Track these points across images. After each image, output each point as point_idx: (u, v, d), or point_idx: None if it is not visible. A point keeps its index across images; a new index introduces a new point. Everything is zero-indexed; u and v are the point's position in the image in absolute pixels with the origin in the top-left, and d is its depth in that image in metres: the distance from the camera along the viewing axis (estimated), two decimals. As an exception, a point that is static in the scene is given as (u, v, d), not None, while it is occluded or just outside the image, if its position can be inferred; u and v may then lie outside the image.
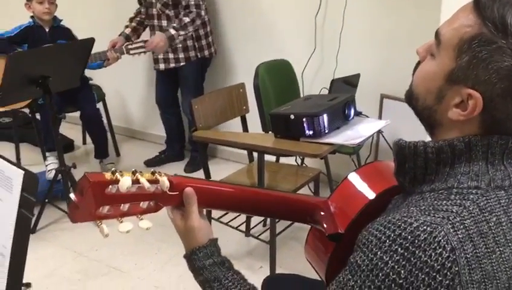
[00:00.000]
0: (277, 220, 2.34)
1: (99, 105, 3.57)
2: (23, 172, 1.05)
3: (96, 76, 3.57)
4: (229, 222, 2.52)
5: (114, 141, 3.85)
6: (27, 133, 3.87)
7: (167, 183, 0.90)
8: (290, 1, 3.17)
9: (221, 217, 2.51)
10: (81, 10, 3.86)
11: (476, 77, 0.74)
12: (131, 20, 3.41)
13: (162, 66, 3.32)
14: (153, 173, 0.89)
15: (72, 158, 3.57)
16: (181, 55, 3.27)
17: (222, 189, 1.04)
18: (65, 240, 2.70)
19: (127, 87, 4.08)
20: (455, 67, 0.76)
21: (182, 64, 3.29)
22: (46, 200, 2.81)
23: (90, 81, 3.56)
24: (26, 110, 3.61)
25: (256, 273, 2.33)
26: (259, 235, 2.55)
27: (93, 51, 2.84)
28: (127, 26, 3.39)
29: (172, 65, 3.30)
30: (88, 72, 3.31)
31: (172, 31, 3.09)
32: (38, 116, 3.41)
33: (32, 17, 3.12)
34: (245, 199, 1.06)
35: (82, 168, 3.38)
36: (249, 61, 3.38)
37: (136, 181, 0.86)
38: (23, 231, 1.05)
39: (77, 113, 3.60)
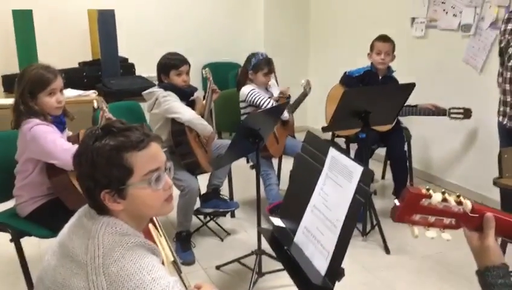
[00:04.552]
0: None
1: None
2: (362, 168, 1.40)
3: (406, 118, 3.86)
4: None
5: (411, 182, 4.06)
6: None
7: (470, 206, 1.09)
8: None
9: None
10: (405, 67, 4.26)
11: None
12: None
13: None
14: (458, 196, 1.09)
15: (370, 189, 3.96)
16: None
17: None
18: (357, 255, 3.04)
19: (433, 134, 4.25)
20: None
21: None
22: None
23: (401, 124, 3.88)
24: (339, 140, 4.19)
25: None
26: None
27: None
28: None
29: None
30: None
31: None
32: (351, 148, 3.93)
33: (371, 64, 3.69)
34: None
35: (379, 200, 3.73)
36: None
37: (444, 199, 1.07)
38: (355, 211, 1.40)
39: (380, 150, 3.98)
